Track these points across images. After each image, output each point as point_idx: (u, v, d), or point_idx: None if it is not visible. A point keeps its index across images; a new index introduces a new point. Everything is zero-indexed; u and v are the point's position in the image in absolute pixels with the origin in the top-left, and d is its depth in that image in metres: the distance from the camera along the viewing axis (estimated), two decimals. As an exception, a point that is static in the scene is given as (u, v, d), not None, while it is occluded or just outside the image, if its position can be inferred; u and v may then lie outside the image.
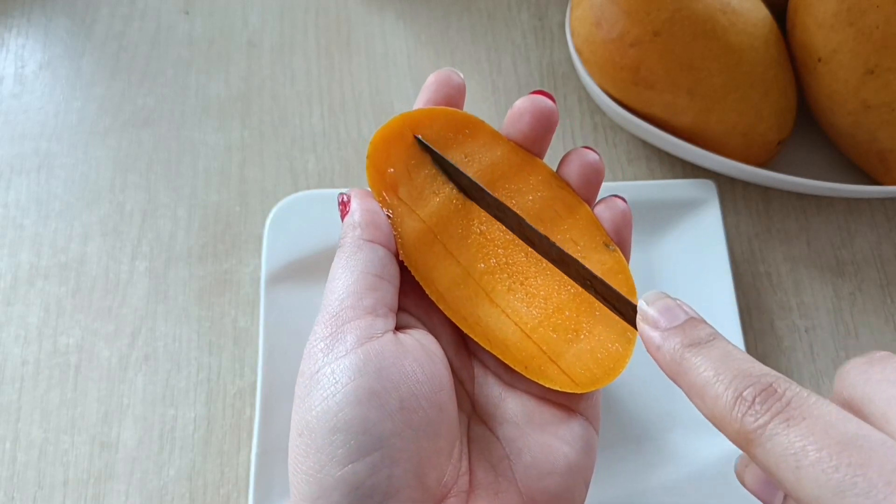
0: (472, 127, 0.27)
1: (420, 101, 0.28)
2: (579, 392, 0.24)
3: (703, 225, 0.39)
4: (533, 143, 0.27)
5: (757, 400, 0.17)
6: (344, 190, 0.27)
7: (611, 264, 0.26)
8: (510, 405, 0.25)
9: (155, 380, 0.37)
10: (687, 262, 0.39)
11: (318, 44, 0.47)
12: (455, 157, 0.26)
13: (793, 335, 0.39)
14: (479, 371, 0.26)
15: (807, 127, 0.43)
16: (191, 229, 0.41)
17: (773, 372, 0.18)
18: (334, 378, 0.22)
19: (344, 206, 0.26)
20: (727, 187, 0.42)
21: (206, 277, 0.40)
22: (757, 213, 0.42)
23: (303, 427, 0.22)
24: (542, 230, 0.26)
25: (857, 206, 0.42)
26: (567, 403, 0.25)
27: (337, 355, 0.22)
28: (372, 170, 0.26)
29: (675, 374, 0.19)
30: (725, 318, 0.37)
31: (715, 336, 0.20)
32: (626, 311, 0.23)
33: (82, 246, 0.40)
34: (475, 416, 0.25)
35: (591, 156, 0.27)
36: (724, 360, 0.18)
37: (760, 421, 0.17)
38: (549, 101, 0.27)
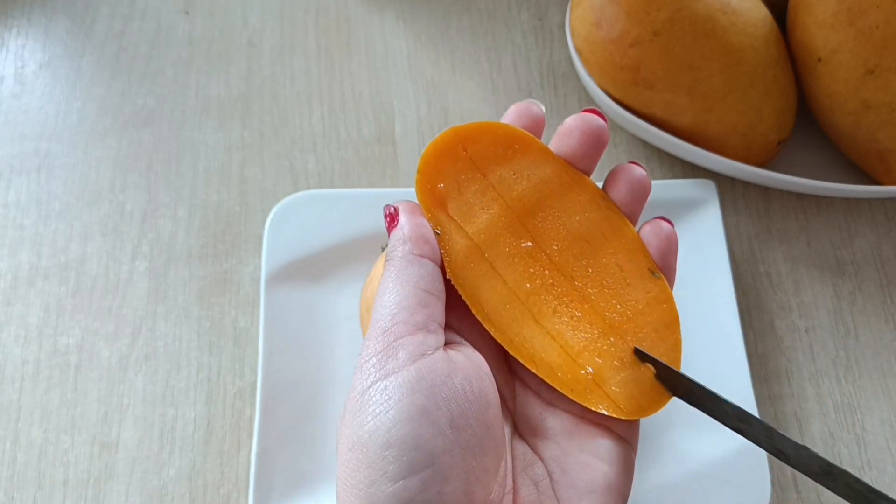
0: (523, 143, 0.27)
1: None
2: (624, 419, 0.24)
3: (703, 225, 0.39)
4: (582, 160, 0.27)
5: None
6: (391, 202, 0.27)
7: (655, 293, 0.26)
8: (550, 423, 0.25)
9: (155, 380, 0.37)
10: (687, 262, 0.39)
11: (318, 44, 0.47)
12: (503, 174, 0.26)
13: (793, 335, 0.39)
14: (519, 389, 0.26)
15: (807, 127, 0.43)
16: (191, 229, 0.41)
17: None
18: (387, 394, 0.22)
19: (391, 218, 0.26)
20: (727, 187, 0.42)
21: (206, 277, 0.40)
22: (757, 213, 0.42)
23: (354, 442, 0.22)
24: (588, 252, 0.26)
25: (857, 206, 0.42)
26: (608, 425, 0.25)
27: (389, 371, 0.22)
28: (422, 185, 0.26)
29: None
30: (725, 318, 0.37)
31: None
32: None
33: (82, 246, 0.40)
34: (516, 434, 0.25)
35: (639, 172, 0.27)
36: None
37: None
38: (600, 120, 0.27)
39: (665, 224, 0.27)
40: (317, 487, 0.34)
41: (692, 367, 0.37)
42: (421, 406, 0.22)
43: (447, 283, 0.25)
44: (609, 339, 0.25)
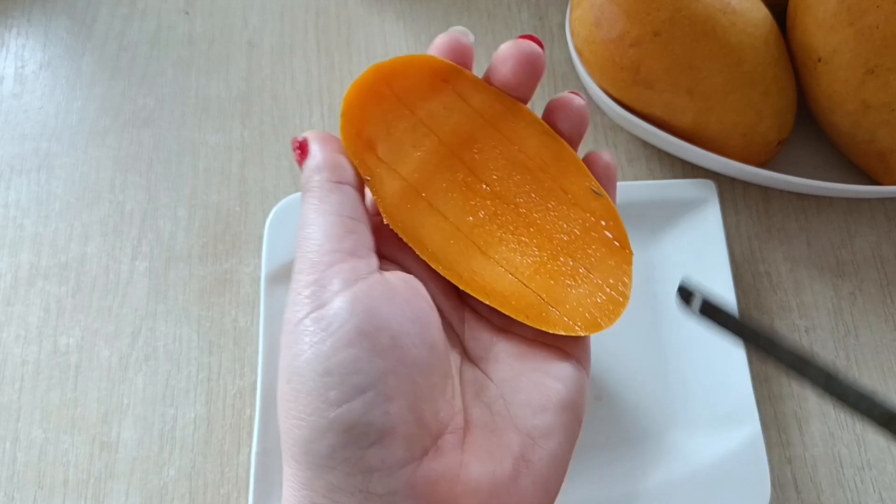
0: (451, 74, 0.26)
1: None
2: (582, 335, 0.24)
3: (703, 225, 0.39)
4: (516, 89, 0.26)
5: None
6: (299, 134, 0.26)
7: (601, 211, 0.26)
8: (502, 348, 0.25)
9: (155, 380, 0.37)
10: (687, 262, 0.39)
11: (318, 44, 0.47)
12: (434, 108, 0.25)
13: (793, 335, 0.39)
14: (470, 317, 0.26)
15: (807, 127, 0.43)
16: (191, 229, 0.41)
17: None
18: (324, 323, 0.22)
19: (302, 149, 0.25)
20: (727, 187, 0.42)
21: (207, 277, 0.40)
22: (757, 213, 0.42)
23: (291, 373, 0.22)
24: (529, 178, 0.25)
25: (857, 206, 0.42)
26: (560, 346, 0.25)
27: (325, 300, 0.22)
28: (347, 130, 0.25)
29: None
30: (725, 318, 0.37)
31: None
32: None
33: (82, 246, 0.40)
34: (467, 361, 0.25)
35: (578, 101, 0.27)
36: None
37: None
38: (535, 45, 0.26)
39: (604, 153, 0.27)
40: (317, 487, 0.34)
41: (692, 366, 0.37)
42: (358, 328, 0.21)
43: (385, 227, 0.25)
44: (559, 260, 0.25)
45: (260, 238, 0.40)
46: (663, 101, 0.39)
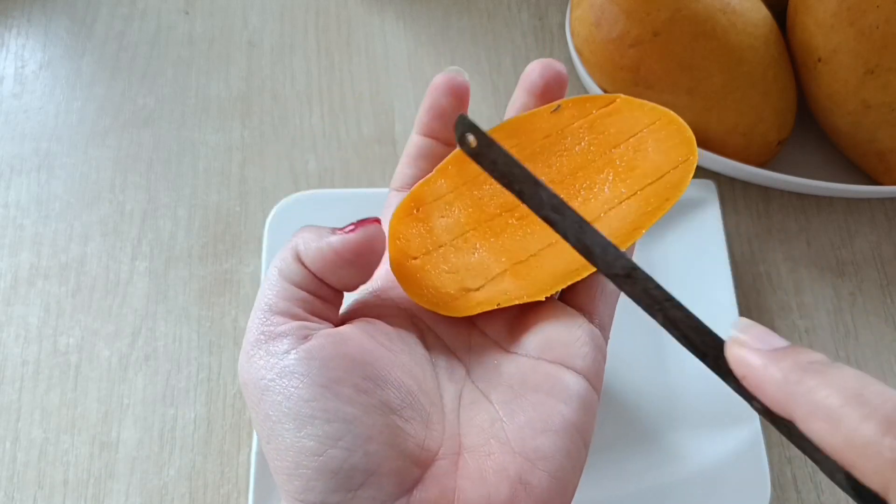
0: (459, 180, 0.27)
1: (423, 106, 0.29)
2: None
3: (703, 225, 0.39)
4: (544, 95, 0.29)
5: None
6: (363, 225, 0.25)
7: (569, 120, 0.28)
8: (505, 369, 0.25)
9: (155, 380, 0.37)
10: (687, 262, 0.39)
11: (318, 44, 0.47)
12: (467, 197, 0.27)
13: (793, 335, 0.39)
14: (477, 339, 0.26)
15: (807, 127, 0.43)
16: (191, 229, 0.41)
17: None
18: (283, 382, 0.22)
19: (346, 227, 0.25)
20: (727, 187, 0.42)
21: (206, 277, 0.40)
22: (757, 213, 0.42)
23: (268, 434, 0.22)
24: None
25: (857, 206, 0.42)
26: (565, 362, 0.24)
27: (277, 359, 0.22)
28: (395, 257, 0.26)
29: (789, 397, 0.18)
30: (725, 318, 0.37)
31: (833, 361, 0.18)
32: (701, 342, 0.21)
33: (82, 246, 0.40)
34: (469, 383, 0.25)
35: (558, 65, 0.29)
36: (861, 383, 0.17)
37: None
38: (559, 63, 0.29)
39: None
40: (317, 487, 0.34)
41: (692, 366, 0.37)
42: (319, 383, 0.22)
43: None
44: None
45: (260, 238, 0.40)
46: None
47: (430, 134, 0.29)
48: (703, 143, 0.40)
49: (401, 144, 0.44)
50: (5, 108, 0.44)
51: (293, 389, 0.22)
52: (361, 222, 0.24)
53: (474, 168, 0.27)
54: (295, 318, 0.23)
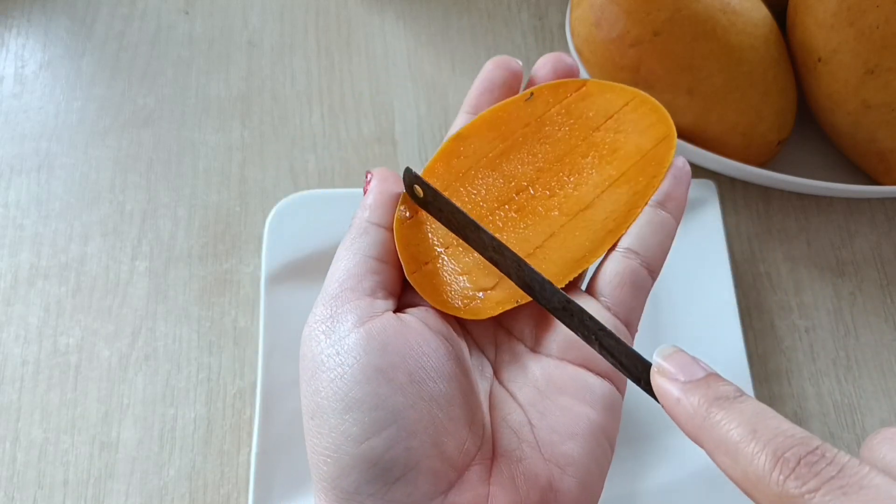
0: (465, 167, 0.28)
1: (474, 85, 0.30)
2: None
3: (703, 225, 0.39)
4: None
5: (802, 463, 0.16)
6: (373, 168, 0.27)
7: (542, 109, 0.28)
8: (531, 369, 0.25)
9: (155, 380, 0.37)
10: (687, 262, 0.39)
11: (318, 44, 0.47)
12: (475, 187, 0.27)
13: (793, 335, 0.39)
14: (503, 338, 0.26)
15: (807, 127, 0.43)
16: (191, 229, 0.41)
17: (814, 436, 0.17)
18: (339, 359, 0.22)
19: (367, 184, 0.27)
20: (727, 187, 0.42)
21: (206, 277, 0.40)
22: (757, 213, 0.42)
23: (314, 409, 0.22)
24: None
25: (857, 206, 0.42)
26: (587, 364, 0.24)
27: (339, 336, 0.22)
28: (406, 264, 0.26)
29: (698, 430, 0.18)
30: (725, 318, 0.37)
31: (742, 393, 0.19)
32: (633, 368, 0.22)
33: (82, 246, 0.40)
34: (497, 383, 0.25)
35: (568, 59, 0.30)
36: (759, 418, 0.17)
37: (808, 486, 0.16)
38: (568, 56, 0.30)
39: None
40: (317, 487, 0.34)
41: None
42: (375, 366, 0.22)
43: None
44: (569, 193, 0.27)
45: (260, 238, 0.40)
46: (663, 101, 0.38)
47: (476, 111, 0.29)
48: (703, 143, 0.40)
49: (401, 144, 0.44)
50: (5, 108, 0.44)
51: (347, 368, 0.22)
52: (367, 175, 0.27)
53: (462, 164, 0.27)
54: (364, 292, 0.24)
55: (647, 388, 0.21)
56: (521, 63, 0.30)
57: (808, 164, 0.43)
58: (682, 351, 0.21)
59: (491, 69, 0.29)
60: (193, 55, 0.46)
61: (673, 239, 0.27)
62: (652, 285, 0.26)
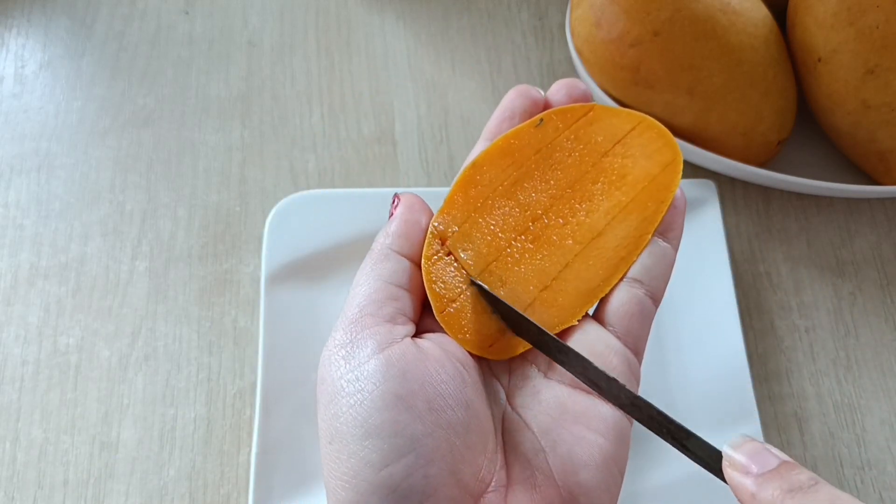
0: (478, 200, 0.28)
1: (495, 113, 0.30)
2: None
3: (703, 225, 0.39)
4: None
5: None
6: (402, 190, 0.28)
7: (552, 135, 0.28)
8: (544, 396, 0.25)
9: (155, 380, 0.37)
10: (687, 262, 0.39)
11: (318, 44, 0.47)
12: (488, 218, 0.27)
13: (793, 335, 0.39)
14: (516, 363, 0.26)
15: (807, 127, 0.43)
16: (191, 229, 0.41)
17: None
18: (359, 385, 0.22)
19: (393, 207, 0.27)
20: (727, 187, 0.42)
21: (206, 277, 0.40)
22: (757, 213, 0.42)
23: (332, 434, 0.22)
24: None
25: (857, 206, 0.42)
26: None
27: (359, 362, 0.23)
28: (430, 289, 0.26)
29: None
30: (725, 318, 0.37)
31: (817, 480, 0.19)
32: (706, 457, 0.22)
33: (82, 246, 0.40)
34: (510, 408, 0.25)
35: (581, 85, 0.30)
36: None
37: None
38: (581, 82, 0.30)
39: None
40: (317, 487, 0.34)
41: (692, 366, 0.37)
42: (395, 393, 0.22)
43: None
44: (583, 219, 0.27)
45: (260, 238, 0.40)
46: (663, 101, 0.39)
47: (495, 140, 0.30)
48: (703, 143, 0.40)
49: (401, 144, 0.44)
50: (5, 108, 0.44)
51: (367, 394, 0.22)
52: (395, 199, 0.27)
53: (479, 193, 0.27)
54: (384, 318, 0.24)
55: (723, 477, 0.21)
56: (542, 92, 0.30)
57: (808, 164, 0.43)
58: (753, 440, 0.20)
59: (513, 98, 0.29)
60: (193, 55, 0.46)
61: (672, 268, 0.28)
62: (655, 313, 0.27)
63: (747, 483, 0.19)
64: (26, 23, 0.47)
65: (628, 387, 0.24)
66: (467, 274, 0.26)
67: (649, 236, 0.27)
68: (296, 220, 0.38)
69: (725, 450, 0.21)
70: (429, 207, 0.27)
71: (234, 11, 0.48)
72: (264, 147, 0.43)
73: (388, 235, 0.26)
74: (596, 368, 0.23)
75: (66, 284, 0.39)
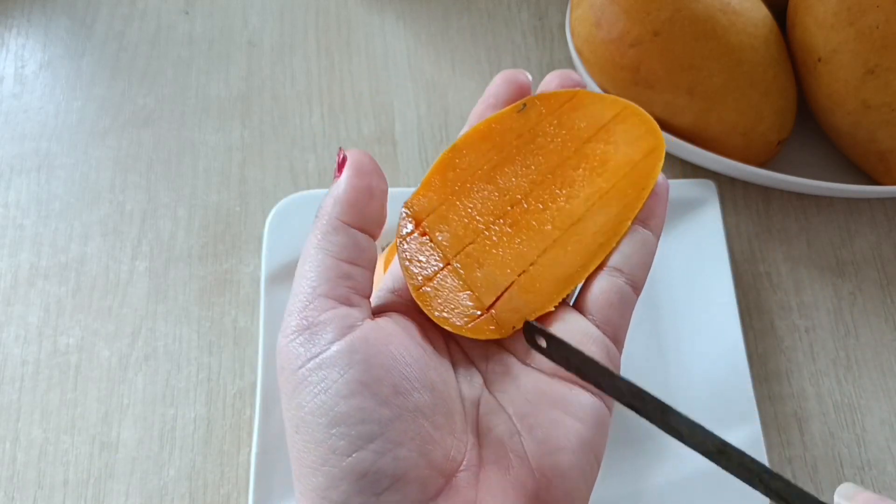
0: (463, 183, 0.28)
1: (481, 98, 0.29)
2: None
3: (703, 225, 0.39)
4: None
5: None
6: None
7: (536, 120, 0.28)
8: (522, 382, 0.25)
9: (155, 380, 0.37)
10: (687, 262, 0.39)
11: (318, 44, 0.47)
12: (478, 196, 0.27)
13: (793, 335, 0.39)
14: (494, 349, 0.26)
15: (807, 127, 0.43)
16: (191, 229, 0.41)
17: None
18: (322, 374, 0.22)
19: (339, 168, 0.25)
20: (727, 187, 0.42)
21: (206, 277, 0.40)
22: (757, 213, 0.42)
23: (298, 423, 0.22)
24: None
25: (857, 206, 0.42)
26: (579, 381, 0.24)
27: (319, 349, 0.22)
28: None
29: None
30: (725, 318, 0.37)
31: None
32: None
33: (82, 246, 0.40)
34: (486, 392, 0.25)
35: (575, 76, 0.29)
36: None
37: None
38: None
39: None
40: (317, 487, 0.34)
41: (692, 366, 0.37)
42: (359, 380, 0.21)
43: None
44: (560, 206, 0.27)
45: (260, 238, 0.40)
46: (663, 101, 0.39)
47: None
48: (704, 143, 0.40)
49: (401, 144, 0.44)
50: (5, 108, 0.44)
51: (331, 383, 0.21)
52: (342, 158, 0.25)
53: (457, 176, 0.27)
54: (339, 300, 0.23)
55: None
56: (529, 76, 0.29)
57: (808, 164, 0.43)
58: (865, 490, 0.20)
59: (498, 83, 0.29)
60: (193, 55, 0.46)
61: (654, 256, 0.27)
62: (636, 302, 0.26)
63: None
64: (26, 23, 0.47)
65: (713, 433, 0.22)
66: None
67: (629, 223, 0.26)
68: (296, 220, 0.38)
69: (837, 499, 0.19)
70: (378, 167, 0.25)
71: (234, 11, 0.48)
72: (264, 147, 0.43)
73: (337, 203, 0.24)
74: (676, 413, 0.21)
75: (66, 284, 0.39)
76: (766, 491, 0.20)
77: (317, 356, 0.22)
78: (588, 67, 0.41)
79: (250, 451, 0.35)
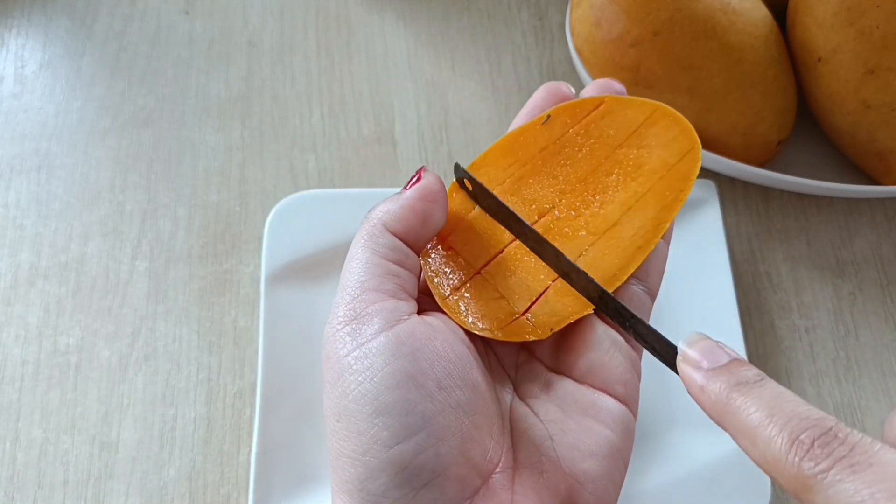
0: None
1: (523, 110, 0.29)
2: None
3: (703, 225, 0.39)
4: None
5: (816, 444, 0.16)
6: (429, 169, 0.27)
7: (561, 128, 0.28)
8: (553, 388, 0.25)
9: (155, 380, 0.37)
10: (687, 262, 0.39)
11: (318, 44, 0.47)
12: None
13: (793, 335, 0.39)
14: (523, 356, 0.26)
15: (807, 127, 0.43)
16: (191, 229, 0.41)
17: (830, 416, 0.17)
18: (368, 362, 0.22)
19: (410, 182, 0.25)
20: (727, 187, 0.42)
21: (206, 277, 0.40)
22: (757, 213, 0.42)
23: (340, 411, 0.22)
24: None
25: (857, 206, 0.42)
26: (606, 388, 0.25)
27: (366, 338, 0.22)
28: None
29: (721, 416, 0.19)
30: (725, 318, 0.37)
31: (763, 377, 0.19)
32: (665, 352, 0.23)
33: (82, 246, 0.40)
34: (517, 399, 0.25)
35: (617, 86, 0.29)
36: (777, 402, 0.18)
37: (821, 466, 0.16)
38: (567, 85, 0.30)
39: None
40: (317, 487, 0.34)
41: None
42: (405, 371, 0.22)
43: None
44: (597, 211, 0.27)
45: (260, 238, 0.40)
46: (663, 101, 0.39)
47: None
48: (704, 143, 0.40)
49: (401, 144, 0.44)
50: (5, 108, 0.44)
51: (377, 371, 0.22)
52: (418, 174, 0.26)
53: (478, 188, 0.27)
54: (387, 294, 0.23)
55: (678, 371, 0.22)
56: (572, 88, 0.29)
57: (808, 164, 0.43)
58: (707, 338, 0.21)
59: (542, 96, 0.29)
60: (193, 55, 0.46)
61: (666, 262, 0.28)
62: (652, 307, 0.27)
63: (697, 377, 0.20)
64: (26, 23, 0.47)
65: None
66: (457, 172, 0.26)
67: (668, 224, 0.26)
68: (296, 220, 0.38)
69: (680, 346, 0.21)
70: (445, 199, 0.26)
71: (234, 11, 0.48)
72: (264, 147, 0.43)
73: (388, 213, 0.25)
74: (567, 260, 0.25)
75: (66, 284, 0.39)
76: (634, 335, 0.24)
77: (363, 345, 0.22)
78: (588, 67, 0.41)
79: (250, 451, 0.35)
